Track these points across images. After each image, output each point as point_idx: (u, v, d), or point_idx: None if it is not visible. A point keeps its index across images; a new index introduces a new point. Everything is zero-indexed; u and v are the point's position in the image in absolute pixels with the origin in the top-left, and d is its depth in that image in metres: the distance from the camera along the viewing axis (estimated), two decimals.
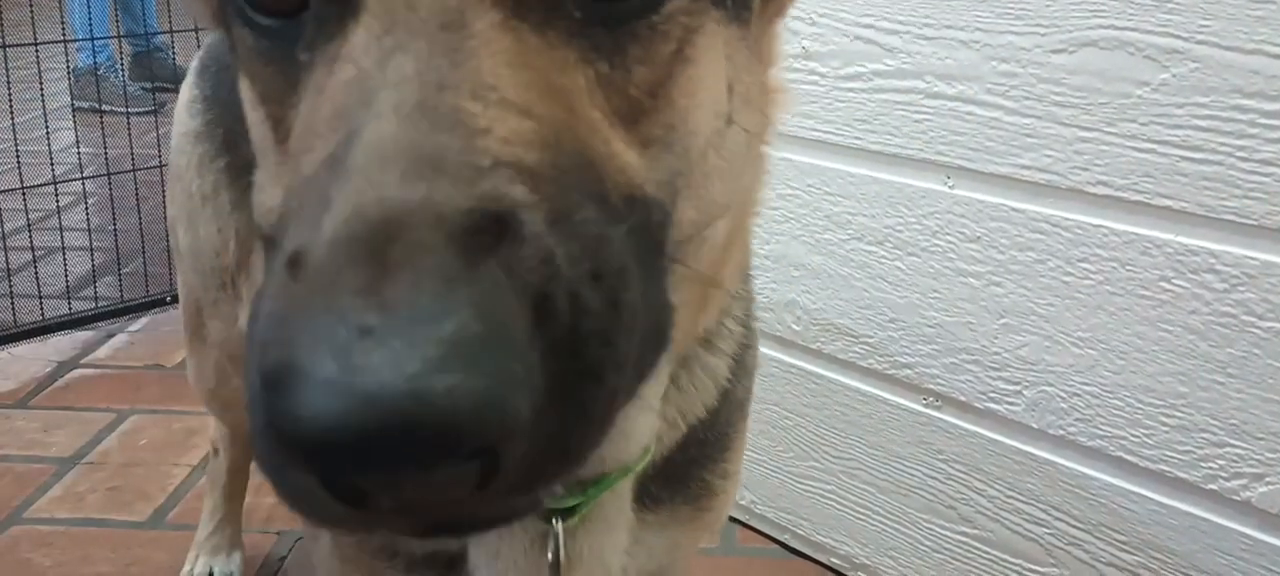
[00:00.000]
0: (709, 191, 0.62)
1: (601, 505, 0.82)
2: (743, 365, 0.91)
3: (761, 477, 1.92)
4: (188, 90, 1.49)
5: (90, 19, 4.62)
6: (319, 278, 0.42)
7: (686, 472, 0.90)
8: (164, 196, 1.58)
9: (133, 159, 3.18)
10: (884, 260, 1.65)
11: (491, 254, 0.42)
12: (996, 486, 1.60)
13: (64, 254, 3.03)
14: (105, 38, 4.90)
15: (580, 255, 0.46)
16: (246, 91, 0.63)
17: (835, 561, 1.85)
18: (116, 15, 5.09)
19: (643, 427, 0.80)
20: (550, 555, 0.79)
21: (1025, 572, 1.60)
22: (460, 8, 0.51)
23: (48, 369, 2.62)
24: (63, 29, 3.45)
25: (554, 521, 0.79)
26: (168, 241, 1.65)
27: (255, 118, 0.63)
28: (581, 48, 0.54)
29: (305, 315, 0.41)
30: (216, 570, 1.82)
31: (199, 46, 1.64)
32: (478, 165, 0.46)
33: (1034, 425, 1.53)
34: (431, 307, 0.40)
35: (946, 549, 1.69)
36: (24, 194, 2.92)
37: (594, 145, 0.53)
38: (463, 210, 0.43)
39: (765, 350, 1.82)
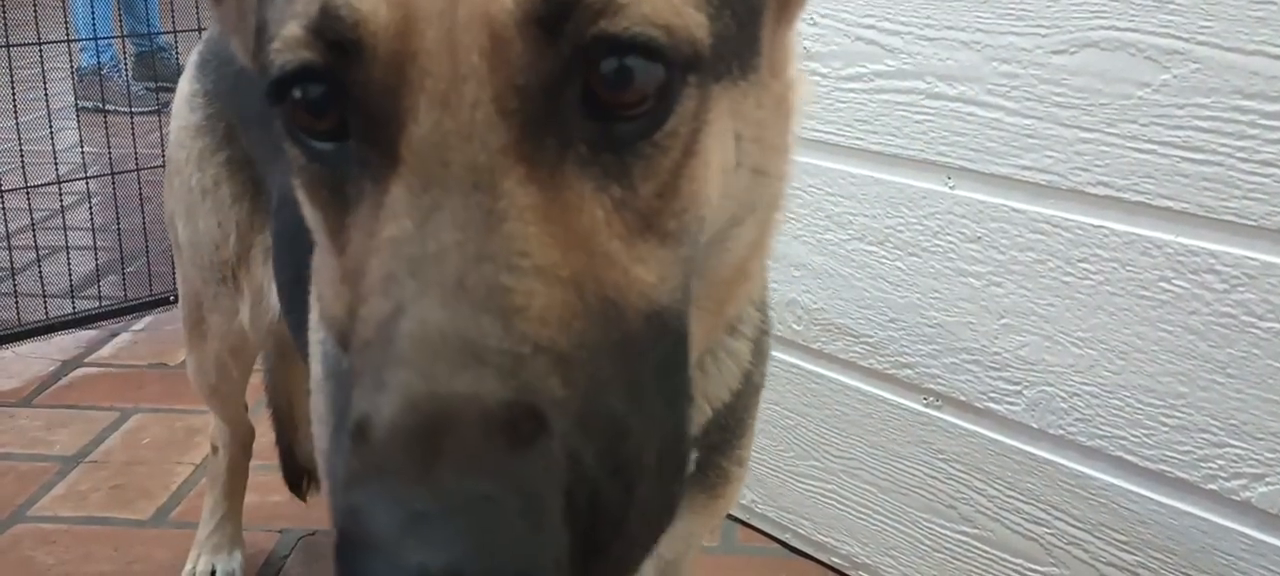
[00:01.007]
0: (714, 232, 0.66)
1: None
2: (760, 349, 0.94)
3: (762, 477, 1.92)
4: (187, 84, 1.49)
5: (93, 19, 4.64)
6: (378, 459, 0.49)
7: (706, 460, 0.92)
8: (164, 197, 1.58)
9: (136, 158, 3.18)
10: (885, 260, 1.65)
11: (528, 447, 0.49)
12: (997, 486, 1.60)
13: (68, 253, 3.04)
14: (109, 37, 4.91)
15: (602, 452, 0.52)
16: (300, 191, 0.67)
17: (836, 560, 1.86)
18: (120, 15, 5.10)
19: None
20: None
21: (1025, 572, 1.60)
22: (490, 167, 0.55)
23: (51, 367, 2.63)
24: (66, 29, 3.46)
25: None
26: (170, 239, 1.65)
27: (311, 215, 0.67)
28: (594, 177, 0.58)
29: (368, 493, 0.48)
30: (218, 568, 1.82)
31: None
32: (517, 353, 0.51)
33: (1034, 425, 1.54)
34: (476, 498, 0.46)
35: (947, 548, 1.69)
36: (28, 193, 2.93)
37: (614, 280, 0.57)
38: (504, 403, 0.49)
39: None
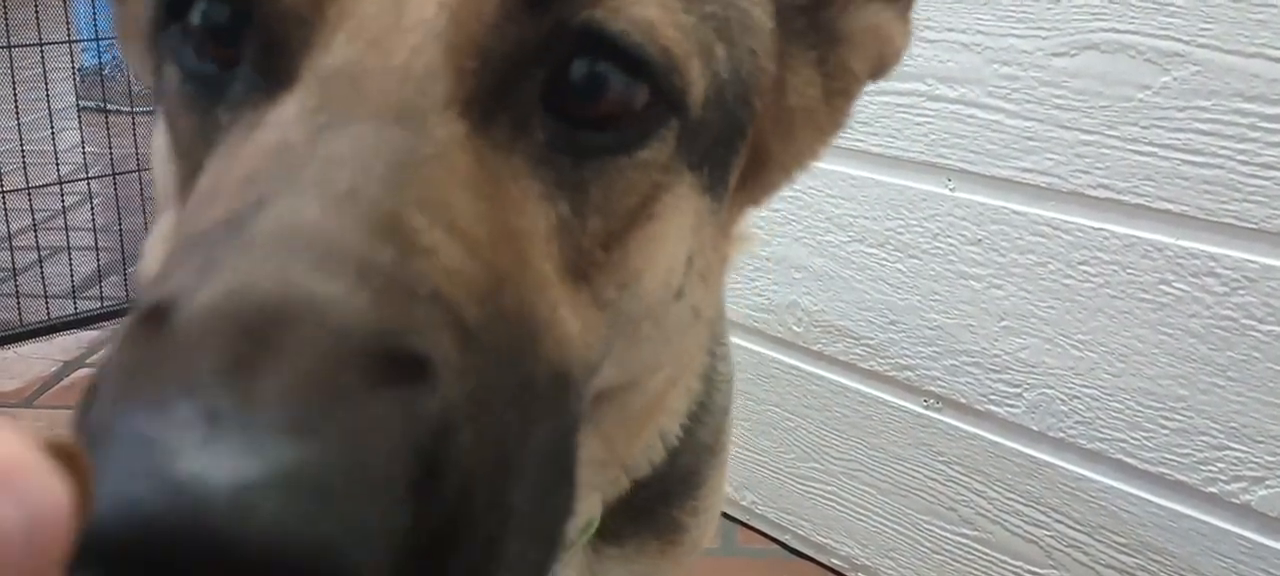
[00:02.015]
0: (637, 358, 0.58)
1: None
2: (709, 409, 0.84)
3: (762, 478, 1.92)
4: None
5: (95, 19, 4.65)
6: (178, 339, 0.34)
7: (651, 509, 0.84)
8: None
9: (138, 159, 3.18)
10: (885, 262, 1.65)
11: (393, 387, 0.35)
12: (996, 488, 1.60)
13: (69, 253, 3.04)
14: (110, 37, 4.92)
15: (489, 450, 0.38)
16: (160, 137, 0.56)
17: (836, 562, 1.86)
18: None
19: (579, 514, 0.74)
20: None
21: (1025, 574, 1.60)
22: (419, 105, 0.44)
23: (53, 368, 2.63)
24: (68, 29, 3.46)
25: None
26: None
27: (162, 172, 0.56)
28: (544, 180, 0.49)
29: (146, 373, 0.34)
30: None
31: None
32: (411, 286, 0.38)
33: (1034, 427, 1.53)
34: (299, 415, 0.32)
35: (946, 550, 1.69)
36: (29, 194, 2.93)
37: (538, 310, 0.46)
38: (376, 330, 0.36)
39: (766, 352, 1.83)
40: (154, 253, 0.54)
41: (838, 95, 0.68)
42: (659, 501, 0.84)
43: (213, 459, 0.30)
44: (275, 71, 0.47)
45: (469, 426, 0.37)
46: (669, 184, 0.53)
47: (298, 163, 0.41)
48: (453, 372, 0.37)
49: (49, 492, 0.26)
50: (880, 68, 0.72)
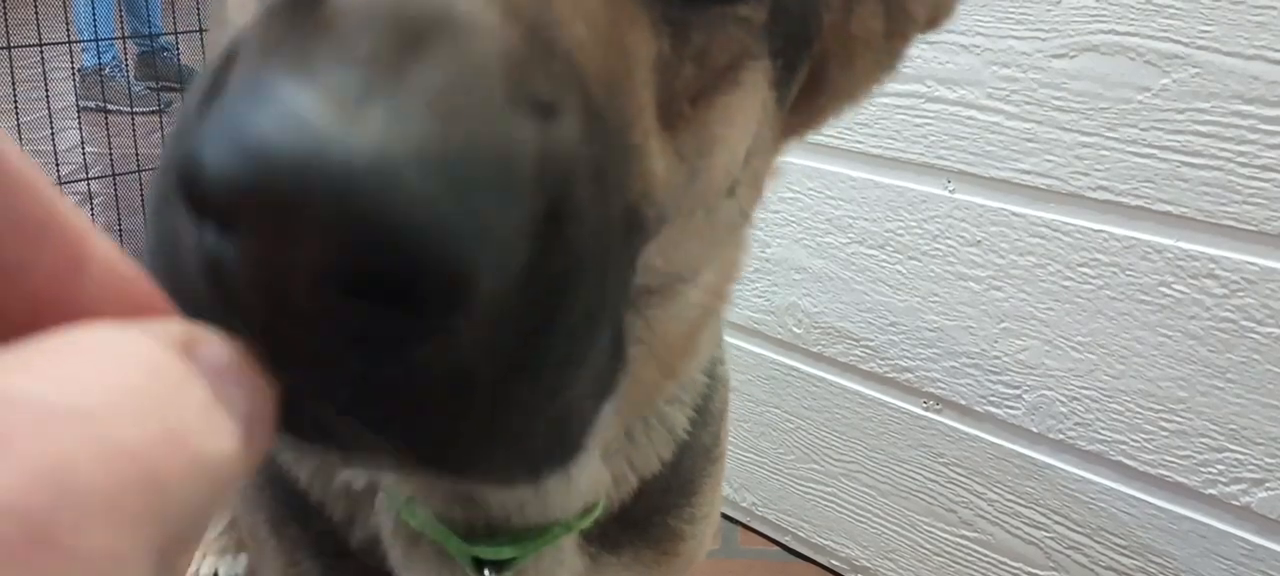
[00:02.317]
0: (686, 249, 0.58)
1: (539, 560, 0.75)
2: (707, 412, 0.85)
3: (762, 480, 1.92)
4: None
5: (95, 19, 4.64)
6: (333, 22, 0.32)
7: (648, 519, 0.83)
8: None
9: (138, 159, 3.19)
10: (884, 264, 1.65)
11: (532, 113, 0.33)
12: (996, 490, 1.60)
13: None
14: (110, 38, 4.92)
15: (596, 232, 0.37)
16: None
17: (835, 563, 1.86)
18: (121, 15, 5.10)
19: (586, 481, 0.74)
20: None
21: (1024, 575, 1.60)
22: None
23: None
24: (68, 29, 3.46)
25: (486, 573, 0.71)
26: None
27: None
28: (652, 11, 0.48)
29: (295, 44, 0.31)
30: (222, 571, 1.82)
31: (204, 46, 1.64)
32: (551, 37, 0.37)
33: (1034, 429, 1.53)
34: (449, 104, 0.30)
35: (946, 552, 1.69)
36: None
37: (635, 135, 0.45)
38: (521, 62, 0.34)
39: (766, 353, 1.83)
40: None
41: (895, 37, 0.68)
42: (657, 510, 0.83)
43: (362, 121, 0.28)
44: None
45: (586, 191, 0.36)
46: (754, 54, 0.54)
47: None
48: (578, 132, 0.36)
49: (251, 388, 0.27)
50: (934, 19, 0.73)
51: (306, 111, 0.28)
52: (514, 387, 0.34)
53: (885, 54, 0.69)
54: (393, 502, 0.73)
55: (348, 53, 0.30)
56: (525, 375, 0.35)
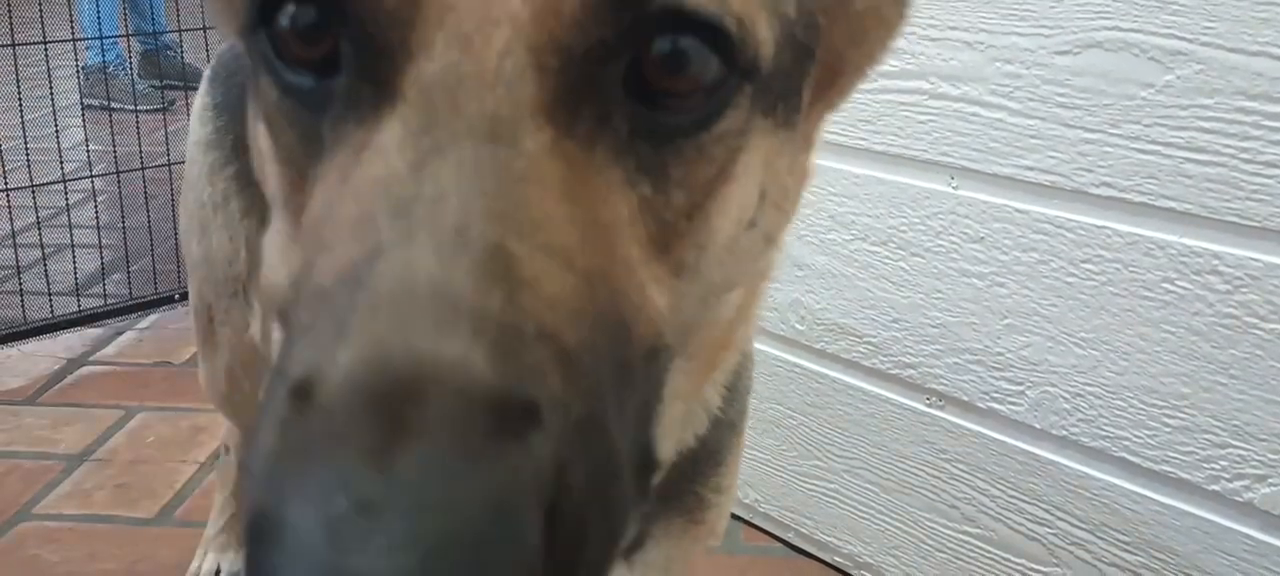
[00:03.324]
0: (712, 286, 0.60)
1: None
2: (737, 389, 0.87)
3: (765, 476, 1.92)
4: (200, 98, 1.50)
5: (99, 17, 4.65)
6: (326, 424, 0.39)
7: (678, 487, 0.87)
8: (172, 194, 1.59)
9: (141, 157, 3.19)
10: (888, 260, 1.65)
11: (515, 441, 0.39)
12: (999, 486, 1.60)
13: (73, 251, 3.04)
14: (114, 36, 4.92)
15: (593, 475, 0.43)
16: (263, 139, 0.58)
17: (839, 560, 1.86)
18: (125, 13, 5.10)
19: None
20: None
21: (1028, 572, 1.60)
22: (512, 119, 0.47)
23: (56, 366, 2.64)
24: (72, 27, 3.46)
25: None
26: (176, 239, 1.66)
27: (271, 171, 0.58)
28: (626, 167, 0.51)
29: (304, 465, 0.38)
30: (224, 567, 1.82)
31: (208, 45, 1.64)
32: (518, 329, 0.42)
33: (1037, 425, 1.54)
34: (443, 494, 0.37)
35: (949, 548, 1.70)
36: (33, 191, 2.93)
37: (629, 294, 0.50)
38: (493, 385, 0.40)
39: (769, 350, 1.83)
40: (272, 261, 0.57)
41: None
42: (686, 479, 0.86)
43: (371, 553, 0.35)
44: (376, 80, 0.49)
45: (578, 451, 0.42)
46: (745, 143, 0.55)
47: (406, 201, 0.44)
48: (560, 409, 0.41)
49: None
50: None
51: (329, 561, 0.35)
52: None
53: (893, 9, 0.68)
54: None
55: (343, 461, 0.37)
56: None
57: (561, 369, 0.42)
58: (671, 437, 0.79)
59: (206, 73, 1.53)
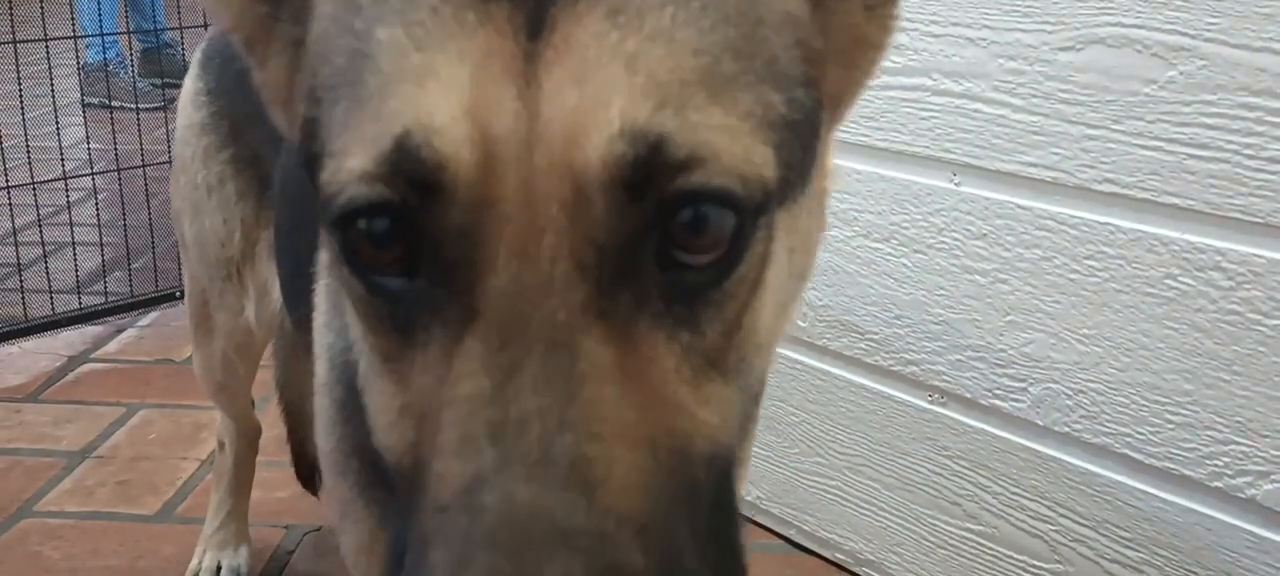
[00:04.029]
0: (762, 365, 0.66)
1: None
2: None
3: (768, 473, 1.92)
4: (192, 82, 1.50)
5: (99, 15, 4.65)
6: None
7: None
8: (170, 194, 1.59)
9: (142, 154, 3.19)
10: (890, 257, 1.65)
11: None
12: (1002, 482, 1.60)
13: (74, 249, 3.04)
14: (114, 34, 4.92)
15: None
16: (356, 315, 0.64)
17: (841, 557, 1.86)
18: (125, 12, 5.10)
19: None
20: None
21: (1030, 568, 1.60)
22: (569, 326, 0.54)
23: (58, 363, 2.64)
24: (72, 26, 3.46)
25: None
26: (176, 236, 1.66)
27: (363, 334, 0.65)
28: (666, 328, 0.57)
29: None
30: (224, 564, 1.82)
31: None
32: (603, 531, 0.50)
33: (1039, 422, 1.54)
34: None
35: (951, 545, 1.69)
36: (34, 189, 2.93)
37: (683, 428, 0.57)
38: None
39: None
40: (378, 415, 0.64)
41: (878, 7, 0.70)
42: None
43: None
44: (454, 289, 0.56)
45: None
46: (768, 253, 0.60)
47: (497, 426, 0.52)
48: (652, 554, 0.51)
49: None
50: None
51: None
52: None
53: (877, 31, 0.70)
54: None
55: None
56: None
57: (640, 541, 0.51)
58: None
59: (197, 55, 1.53)
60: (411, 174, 0.54)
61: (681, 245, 0.56)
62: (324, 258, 0.98)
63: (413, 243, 0.56)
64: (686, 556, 0.54)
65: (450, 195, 0.54)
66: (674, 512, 0.54)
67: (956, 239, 1.57)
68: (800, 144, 0.61)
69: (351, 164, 0.55)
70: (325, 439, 0.95)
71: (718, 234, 0.56)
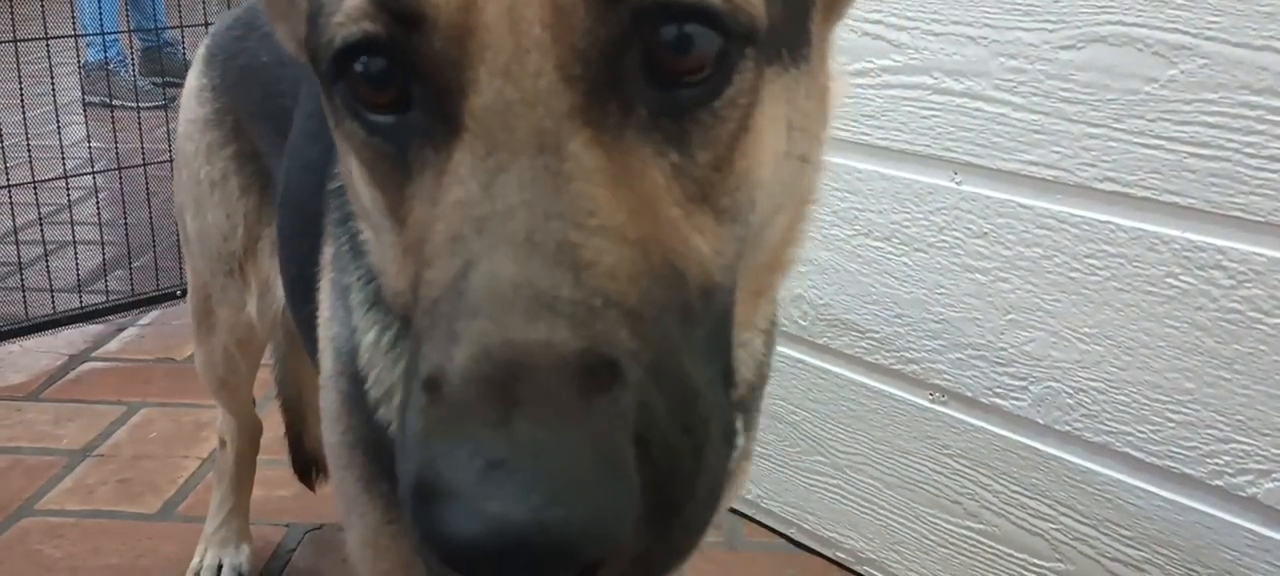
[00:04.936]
0: (759, 216, 0.67)
1: None
2: (770, 337, 0.93)
3: (768, 472, 1.92)
4: (196, 78, 1.50)
5: (100, 14, 4.65)
6: (454, 409, 0.49)
7: None
8: (173, 190, 1.59)
9: (143, 153, 3.19)
10: (891, 256, 1.65)
11: (602, 394, 0.49)
12: (1002, 481, 1.60)
13: (75, 248, 3.05)
14: (115, 33, 4.92)
15: (673, 409, 0.52)
16: (356, 169, 0.67)
17: (841, 556, 1.86)
18: (126, 11, 5.10)
19: None
20: None
21: (1030, 567, 1.60)
22: (555, 130, 0.56)
23: (59, 362, 2.64)
24: (73, 24, 3.46)
25: None
26: (178, 234, 1.66)
27: (368, 194, 0.67)
28: (654, 142, 0.59)
29: (445, 442, 0.48)
30: (225, 562, 1.83)
31: None
32: (589, 305, 0.51)
33: (1040, 420, 1.53)
34: (553, 444, 0.47)
35: (952, 543, 1.69)
36: (35, 188, 2.93)
37: (676, 248, 0.58)
38: (578, 351, 0.49)
39: None
40: (388, 266, 0.67)
41: None
42: None
43: (506, 498, 0.45)
44: (443, 113, 0.58)
45: (655, 390, 0.51)
46: (758, 96, 0.62)
47: (483, 219, 0.54)
48: (634, 360, 0.50)
49: None
50: None
51: (476, 507, 0.46)
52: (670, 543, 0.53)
53: None
54: None
55: (474, 433, 0.47)
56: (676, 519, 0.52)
57: (630, 326, 0.52)
58: (744, 363, 0.85)
59: (201, 52, 1.53)
60: (394, 7, 0.57)
61: (668, 64, 0.58)
62: (326, 255, 0.99)
63: (404, 84, 0.60)
64: (680, 360, 0.54)
65: (432, 24, 0.57)
66: (666, 318, 0.55)
67: (957, 237, 1.56)
68: (789, 7, 0.64)
69: (346, 4, 0.59)
70: (330, 432, 0.96)
71: (702, 54, 0.58)
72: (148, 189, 3.20)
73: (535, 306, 0.50)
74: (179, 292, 2.91)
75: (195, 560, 1.83)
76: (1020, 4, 1.43)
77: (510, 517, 0.45)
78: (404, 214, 0.62)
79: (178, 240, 1.86)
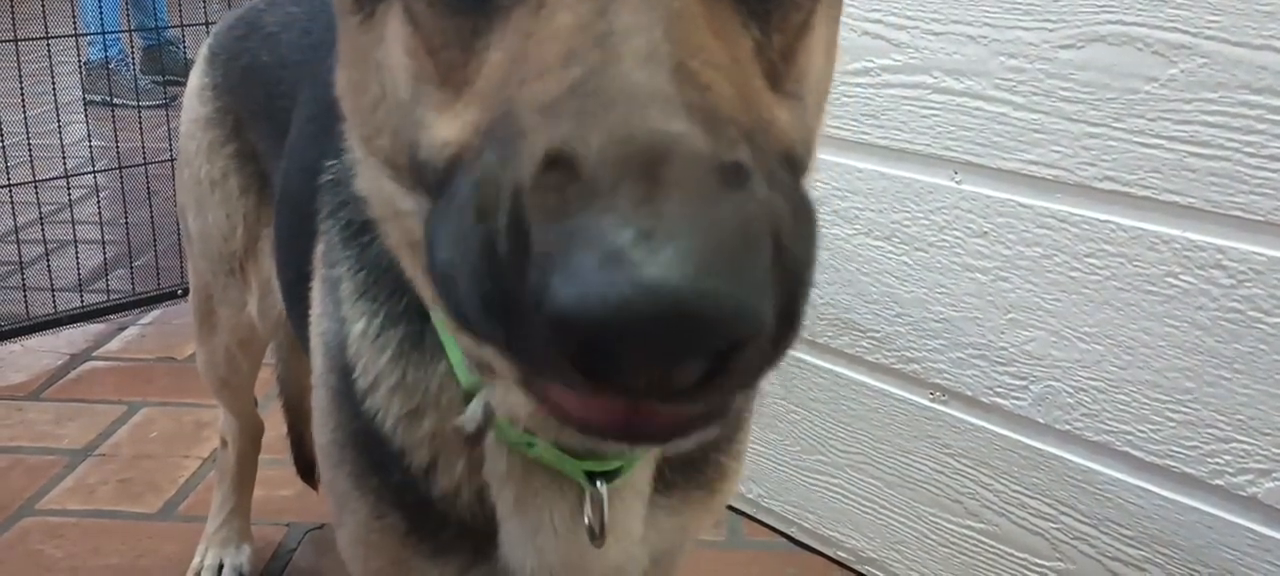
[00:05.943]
0: (817, 130, 0.71)
1: (632, 474, 0.87)
2: None
3: (769, 471, 1.92)
4: (197, 77, 1.51)
5: (101, 13, 4.65)
6: (598, 182, 0.47)
7: (703, 455, 0.93)
8: (175, 189, 1.59)
9: (144, 152, 3.19)
10: (891, 255, 1.65)
11: (739, 189, 0.49)
12: (1003, 480, 1.60)
13: (76, 247, 3.05)
14: (116, 32, 4.92)
15: (794, 216, 0.52)
16: (400, 43, 0.66)
17: (842, 554, 1.86)
18: (127, 9, 5.10)
19: None
20: (587, 520, 0.85)
21: (1031, 567, 1.60)
22: None
23: (59, 361, 2.64)
24: (74, 23, 3.46)
25: (598, 484, 0.84)
26: (179, 234, 1.66)
27: (408, 64, 0.65)
28: (741, 13, 0.61)
29: (591, 212, 0.46)
30: (226, 562, 1.83)
31: None
32: (716, 116, 0.51)
33: (1040, 420, 1.53)
34: (705, 221, 0.46)
35: (953, 543, 1.70)
36: (36, 187, 2.93)
37: (763, 112, 0.59)
38: (714, 150, 0.49)
39: None
40: (428, 131, 0.64)
41: None
42: (711, 447, 0.93)
43: (660, 265, 0.43)
44: None
45: (778, 200, 0.51)
46: (818, 2, 0.67)
47: (603, 35, 0.54)
48: (757, 170, 0.50)
49: None
50: None
51: (630, 270, 0.44)
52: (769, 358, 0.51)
53: None
54: (506, 436, 0.83)
55: (624, 205, 0.46)
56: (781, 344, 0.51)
57: (748, 143, 0.52)
58: None
59: (203, 51, 1.53)
60: None
61: None
62: (318, 252, 0.99)
63: None
64: (790, 192, 0.54)
65: None
66: (772, 162, 0.55)
67: (957, 237, 1.56)
68: None
69: None
70: (321, 431, 0.96)
71: None
72: (149, 188, 3.20)
73: (670, 107, 0.50)
74: (180, 292, 2.91)
75: (196, 560, 1.83)
76: (1020, 3, 1.43)
77: (668, 281, 0.43)
78: (470, 72, 0.61)
79: (179, 239, 1.86)
